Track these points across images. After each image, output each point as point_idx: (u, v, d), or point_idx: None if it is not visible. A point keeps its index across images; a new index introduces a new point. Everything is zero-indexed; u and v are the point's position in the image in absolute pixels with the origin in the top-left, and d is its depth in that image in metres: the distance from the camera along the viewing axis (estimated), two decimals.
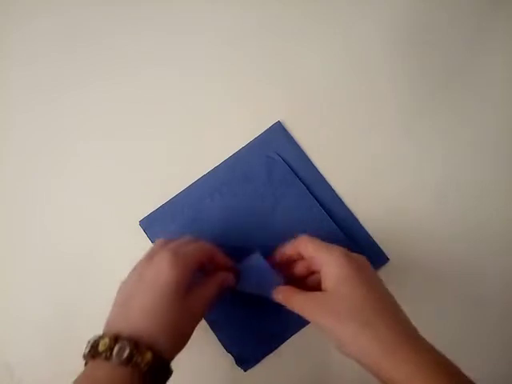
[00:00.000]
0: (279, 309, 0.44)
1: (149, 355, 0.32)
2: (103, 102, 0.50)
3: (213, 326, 0.44)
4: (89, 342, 0.34)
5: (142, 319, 0.33)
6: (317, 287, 0.37)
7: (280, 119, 0.48)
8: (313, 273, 0.39)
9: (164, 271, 0.34)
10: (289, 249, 0.39)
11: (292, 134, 0.48)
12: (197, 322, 0.37)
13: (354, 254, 0.37)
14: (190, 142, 0.49)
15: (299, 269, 0.40)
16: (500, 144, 0.48)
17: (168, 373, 0.34)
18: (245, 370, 0.44)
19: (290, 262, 0.40)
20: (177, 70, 0.50)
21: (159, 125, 0.49)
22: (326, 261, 0.36)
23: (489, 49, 0.50)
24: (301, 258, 0.39)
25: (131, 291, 0.35)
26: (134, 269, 0.38)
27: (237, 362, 0.44)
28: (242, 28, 0.51)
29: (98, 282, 0.46)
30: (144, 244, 0.46)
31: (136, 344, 0.32)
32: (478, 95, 0.49)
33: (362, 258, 0.37)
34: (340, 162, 0.47)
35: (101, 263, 0.46)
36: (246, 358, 0.44)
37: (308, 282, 0.39)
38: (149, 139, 0.49)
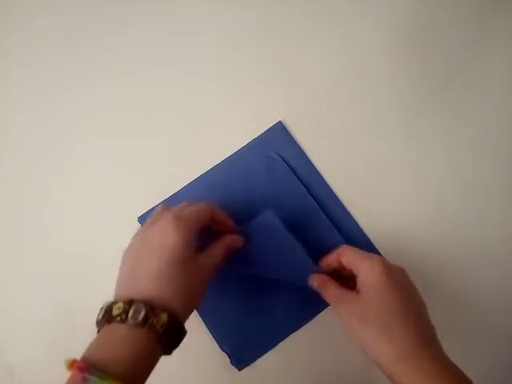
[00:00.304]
0: (274, 309, 0.44)
1: (164, 316, 0.32)
2: (103, 101, 0.50)
3: (208, 325, 0.44)
4: (101, 308, 0.34)
5: (150, 284, 0.34)
6: (350, 286, 0.38)
7: (280, 119, 0.48)
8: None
9: (168, 235, 0.34)
10: (331, 259, 0.40)
11: (292, 134, 0.48)
12: (206, 284, 0.37)
13: (392, 264, 0.38)
14: (190, 141, 0.49)
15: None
16: (500, 144, 0.48)
17: (182, 334, 0.34)
18: (239, 370, 0.44)
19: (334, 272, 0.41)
20: (177, 70, 0.50)
21: (159, 125, 0.49)
22: (364, 268, 0.37)
23: (489, 49, 0.50)
24: (342, 265, 0.40)
25: (136, 258, 0.36)
26: (137, 234, 0.38)
27: (231, 362, 0.44)
28: (242, 28, 0.51)
29: (98, 281, 0.45)
30: None
31: (151, 306, 0.32)
32: (477, 95, 0.49)
33: (399, 269, 0.38)
34: (340, 162, 0.47)
35: (101, 263, 0.46)
36: (240, 358, 0.44)
37: (343, 279, 0.40)
38: (149, 139, 0.49)
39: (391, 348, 0.34)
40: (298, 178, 0.46)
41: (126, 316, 0.32)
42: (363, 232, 0.46)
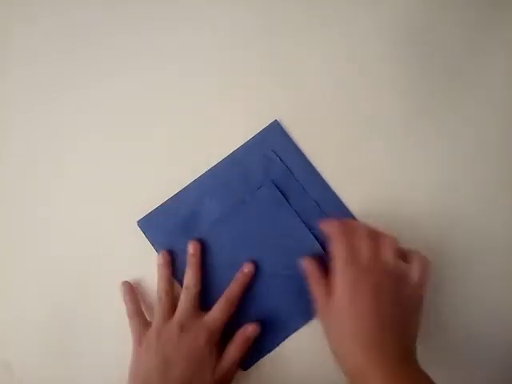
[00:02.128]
0: (278, 308, 0.44)
1: None
2: (103, 101, 0.50)
3: None
4: None
5: None
6: None
7: (278, 118, 0.48)
8: None
9: (200, 347, 0.39)
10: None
11: (290, 133, 0.48)
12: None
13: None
14: (189, 141, 0.49)
15: None
16: (501, 144, 0.48)
17: None
18: (244, 369, 0.44)
19: None
20: (177, 70, 0.50)
21: (158, 125, 0.49)
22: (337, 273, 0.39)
23: (489, 49, 0.50)
24: None
25: (171, 363, 0.39)
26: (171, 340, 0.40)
27: None
28: (242, 27, 0.51)
29: (97, 282, 0.46)
30: (142, 245, 0.46)
31: None
32: (478, 95, 0.49)
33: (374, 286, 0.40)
34: (338, 161, 0.47)
35: (100, 263, 0.46)
36: (245, 357, 0.44)
37: None
38: (148, 139, 0.49)
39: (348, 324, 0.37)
40: (295, 176, 0.46)
41: None
42: None
